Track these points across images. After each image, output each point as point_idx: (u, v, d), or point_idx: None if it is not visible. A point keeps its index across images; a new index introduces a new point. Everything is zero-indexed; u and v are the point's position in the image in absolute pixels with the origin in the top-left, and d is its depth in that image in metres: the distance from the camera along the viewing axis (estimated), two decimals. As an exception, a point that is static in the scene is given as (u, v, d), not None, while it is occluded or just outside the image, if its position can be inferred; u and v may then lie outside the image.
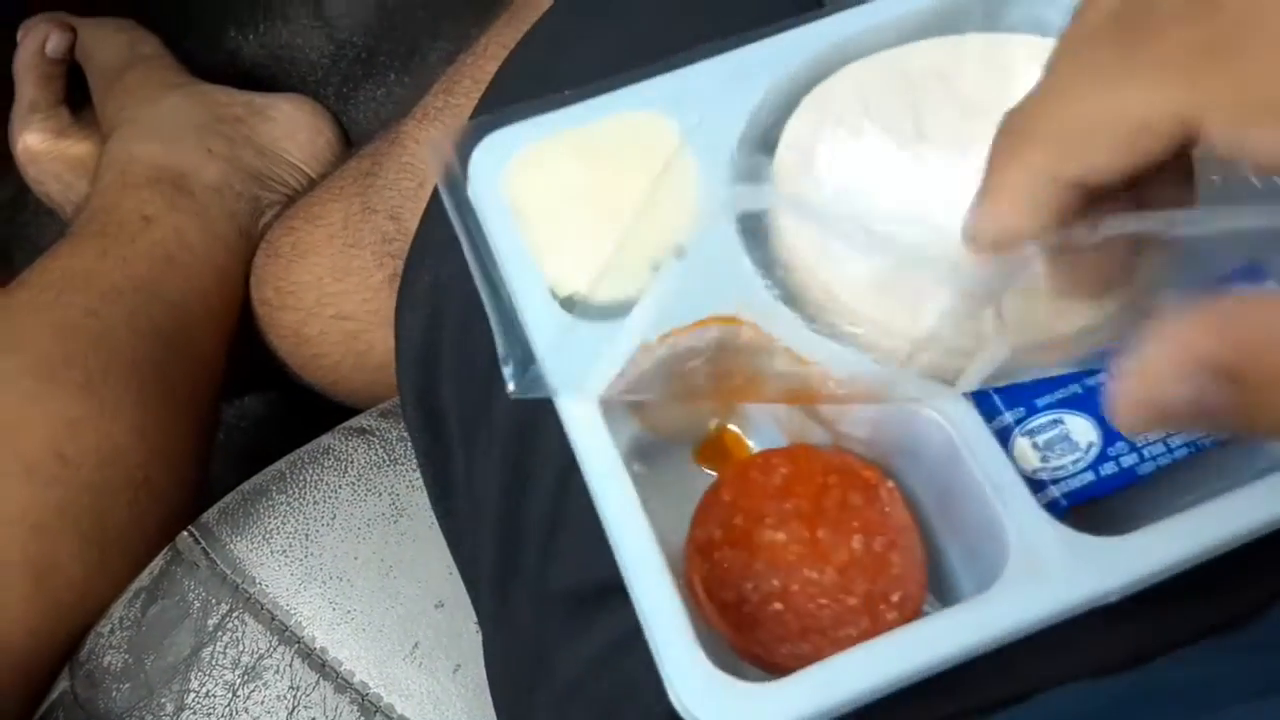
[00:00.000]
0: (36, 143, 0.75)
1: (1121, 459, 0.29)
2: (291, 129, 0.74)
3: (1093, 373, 0.30)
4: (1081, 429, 0.29)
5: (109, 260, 0.59)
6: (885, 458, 0.31)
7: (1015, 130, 0.26)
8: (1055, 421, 0.29)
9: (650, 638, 0.27)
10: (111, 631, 0.48)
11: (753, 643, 0.29)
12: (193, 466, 0.58)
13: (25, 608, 0.48)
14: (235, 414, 0.79)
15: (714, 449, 0.33)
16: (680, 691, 0.26)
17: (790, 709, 0.26)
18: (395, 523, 0.50)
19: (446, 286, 0.44)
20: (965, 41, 0.33)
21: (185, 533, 0.50)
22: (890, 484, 0.30)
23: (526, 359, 0.30)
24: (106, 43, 0.76)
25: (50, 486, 0.50)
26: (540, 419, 0.39)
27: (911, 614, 0.29)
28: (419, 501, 0.50)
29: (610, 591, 0.36)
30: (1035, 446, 0.29)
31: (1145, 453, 0.29)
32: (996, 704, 0.31)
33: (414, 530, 0.50)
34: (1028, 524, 0.28)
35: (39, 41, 0.74)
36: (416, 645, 0.47)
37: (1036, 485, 0.29)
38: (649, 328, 0.30)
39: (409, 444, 0.51)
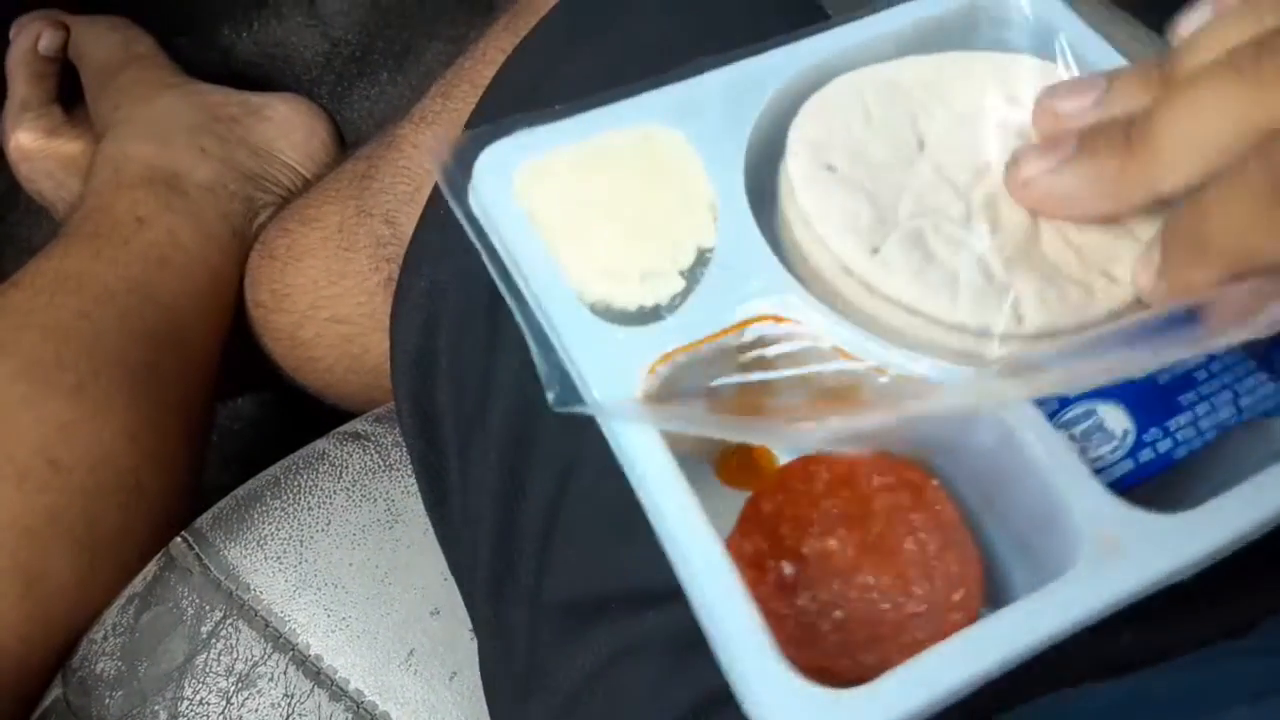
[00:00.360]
0: (29, 141, 0.75)
1: (1158, 444, 0.29)
2: (286, 129, 0.73)
3: None
4: (1115, 417, 0.29)
5: (102, 261, 0.59)
6: (926, 455, 0.30)
7: (1192, 239, 0.27)
8: (1089, 412, 0.29)
9: (719, 645, 0.26)
10: (104, 638, 0.48)
11: (815, 655, 0.28)
12: (185, 470, 0.58)
13: (16, 614, 0.47)
14: (228, 416, 0.79)
15: (740, 465, 0.32)
16: (760, 700, 0.25)
17: (883, 712, 0.25)
18: (390, 529, 0.49)
19: (443, 291, 0.44)
20: (944, 59, 0.34)
21: (179, 538, 0.50)
22: (935, 481, 0.30)
23: (563, 368, 0.29)
24: (100, 41, 0.76)
25: (42, 492, 0.49)
26: (537, 426, 0.39)
27: (974, 613, 0.28)
28: (414, 508, 0.50)
29: (607, 604, 0.36)
30: (1072, 438, 0.29)
31: (1178, 437, 0.29)
32: (994, 708, 0.31)
33: (409, 537, 0.49)
34: (1097, 506, 0.27)
35: (32, 39, 0.74)
36: (412, 652, 0.47)
37: None
38: (685, 330, 0.30)
39: (404, 449, 0.51)
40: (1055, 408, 0.29)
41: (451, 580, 0.46)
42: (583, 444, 0.37)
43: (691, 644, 0.34)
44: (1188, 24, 0.29)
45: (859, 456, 0.30)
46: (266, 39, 0.88)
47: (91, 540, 0.50)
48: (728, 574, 0.26)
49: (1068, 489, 0.27)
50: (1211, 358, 0.30)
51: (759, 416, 0.31)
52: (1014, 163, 0.30)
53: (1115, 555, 0.27)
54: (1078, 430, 0.29)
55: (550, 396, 0.29)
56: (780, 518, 0.29)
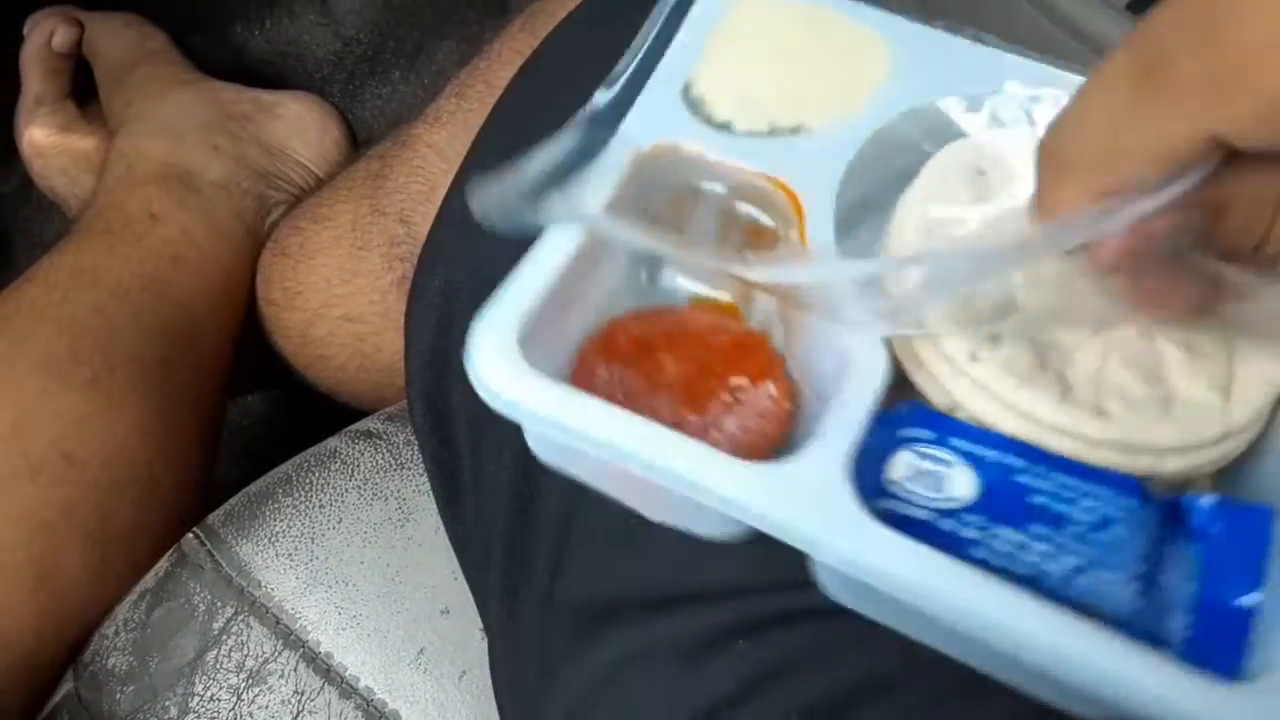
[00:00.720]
0: (42, 137, 0.75)
1: (963, 530, 0.28)
2: (299, 127, 0.74)
3: (1024, 464, 0.29)
4: (962, 484, 0.28)
5: (116, 258, 0.59)
6: (808, 396, 0.32)
7: (1056, 155, 0.26)
8: (947, 462, 0.29)
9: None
10: (116, 633, 0.48)
11: None
12: (197, 466, 0.58)
13: (29, 608, 0.48)
14: (238, 413, 0.79)
15: (709, 307, 0.35)
16: (476, 345, 0.29)
17: (550, 402, 0.28)
18: (402, 527, 0.50)
19: (458, 290, 0.44)
20: None
21: (191, 534, 0.50)
22: (790, 409, 0.31)
23: (624, 95, 0.34)
24: (114, 38, 0.76)
25: (56, 486, 0.50)
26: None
27: None
28: (426, 506, 0.50)
29: (620, 607, 0.36)
30: (911, 465, 0.29)
31: (992, 544, 0.27)
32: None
33: (420, 535, 0.49)
34: (826, 460, 0.28)
35: (46, 35, 0.74)
36: (422, 651, 0.47)
37: (884, 492, 0.28)
38: (721, 148, 0.33)
39: (416, 448, 0.51)
40: (928, 437, 0.29)
41: (462, 579, 0.46)
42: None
43: (703, 650, 0.34)
44: None
45: (762, 350, 0.32)
46: (279, 37, 0.89)
47: (105, 535, 0.51)
48: (548, 269, 0.30)
49: (826, 432, 0.28)
50: (1108, 525, 0.28)
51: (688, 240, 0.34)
52: None
53: (794, 488, 0.27)
54: (922, 465, 0.29)
55: (601, 97, 0.34)
56: (664, 326, 0.32)
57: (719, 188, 0.34)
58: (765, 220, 0.34)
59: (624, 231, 0.31)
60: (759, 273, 0.30)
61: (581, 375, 0.32)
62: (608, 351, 0.32)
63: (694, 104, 0.35)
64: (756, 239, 0.34)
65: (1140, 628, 0.27)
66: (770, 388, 0.31)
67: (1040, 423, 0.29)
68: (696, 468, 0.27)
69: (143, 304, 0.58)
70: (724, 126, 0.34)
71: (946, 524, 0.28)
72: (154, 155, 0.66)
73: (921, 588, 0.26)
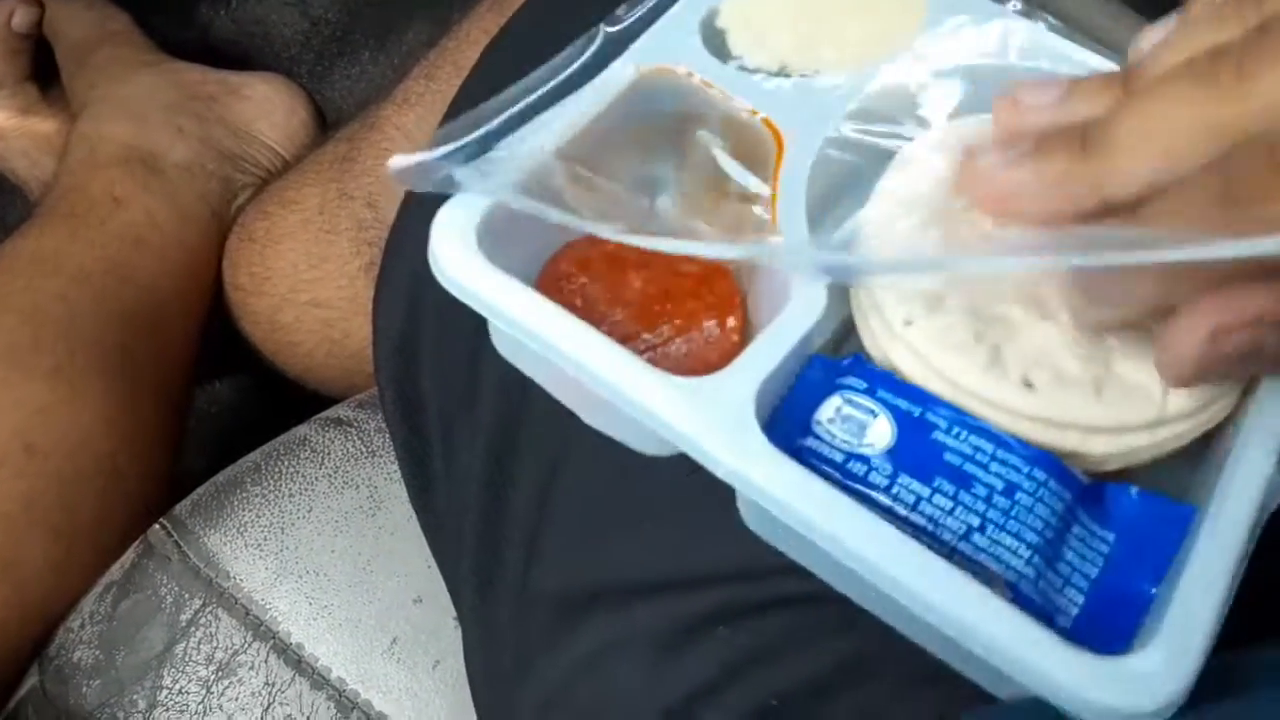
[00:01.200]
0: (2, 119, 0.74)
1: (871, 474, 0.28)
2: (266, 109, 0.72)
3: (946, 424, 0.29)
4: (880, 434, 0.29)
5: (78, 242, 0.58)
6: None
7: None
8: (872, 412, 0.29)
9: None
10: (82, 626, 0.47)
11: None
12: (163, 455, 0.57)
13: None
14: (205, 400, 0.78)
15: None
16: (440, 243, 0.30)
17: (501, 294, 0.29)
18: (373, 516, 0.49)
19: (426, 276, 0.43)
20: None
21: (157, 525, 0.49)
22: (737, 343, 0.32)
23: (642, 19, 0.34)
24: (75, 18, 0.75)
25: (18, 478, 0.49)
26: (525, 414, 0.39)
27: None
28: (397, 494, 0.49)
29: (596, 595, 0.36)
30: (837, 409, 0.29)
31: (896, 494, 0.28)
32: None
33: (392, 524, 0.49)
34: (734, 380, 0.28)
35: (5, 16, 0.73)
36: (395, 640, 0.47)
37: (809, 431, 0.29)
38: (715, 74, 0.34)
39: (387, 436, 0.51)
40: (860, 386, 0.29)
41: (435, 568, 0.46)
42: (572, 432, 0.37)
43: (683, 638, 0.34)
44: (1149, 37, 0.28)
45: (728, 286, 0.33)
46: (245, 17, 0.87)
47: (68, 527, 0.50)
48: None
49: (746, 364, 0.29)
50: (1013, 492, 0.28)
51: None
52: (969, 155, 0.29)
53: (702, 404, 0.28)
54: (846, 410, 0.29)
55: (614, 21, 0.34)
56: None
57: (710, 117, 0.34)
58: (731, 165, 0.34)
59: (532, 206, 0.31)
60: (661, 244, 0.30)
61: (549, 275, 0.32)
62: (579, 259, 0.33)
63: (714, 35, 0.34)
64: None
65: (1029, 594, 0.27)
66: (724, 320, 0.32)
67: (965, 391, 0.29)
68: (615, 370, 0.28)
69: (105, 288, 0.57)
70: (735, 60, 0.34)
71: (857, 467, 0.28)
72: (117, 137, 0.65)
73: (801, 512, 0.27)
